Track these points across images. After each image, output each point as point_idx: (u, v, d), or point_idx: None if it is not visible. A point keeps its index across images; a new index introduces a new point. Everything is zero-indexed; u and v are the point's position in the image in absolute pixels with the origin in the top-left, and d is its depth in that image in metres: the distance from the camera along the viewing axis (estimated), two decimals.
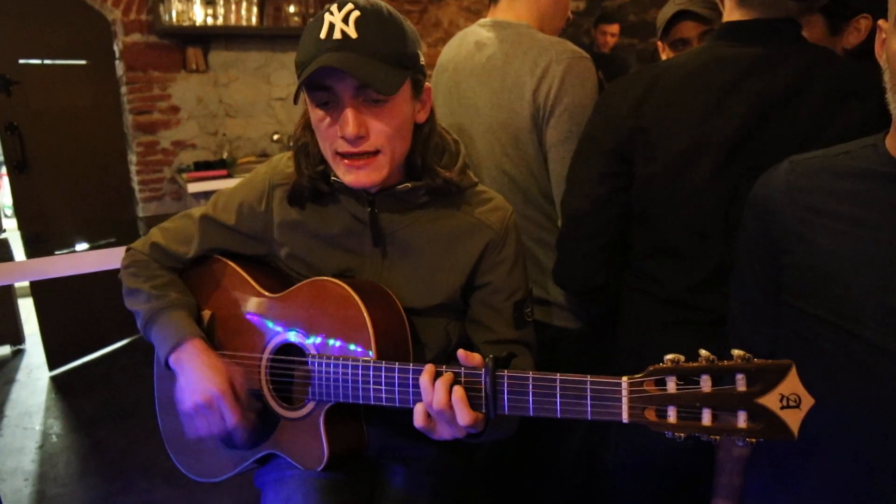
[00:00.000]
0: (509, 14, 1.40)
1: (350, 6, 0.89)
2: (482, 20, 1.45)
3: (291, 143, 1.07)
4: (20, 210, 3.15)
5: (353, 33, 0.88)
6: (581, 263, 1.23)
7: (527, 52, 1.31)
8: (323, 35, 0.89)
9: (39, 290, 3.17)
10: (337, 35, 0.88)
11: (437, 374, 0.85)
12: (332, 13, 0.89)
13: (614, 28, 4.43)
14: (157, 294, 1.09)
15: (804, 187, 0.86)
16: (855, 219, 0.81)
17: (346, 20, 0.88)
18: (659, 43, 1.84)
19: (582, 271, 1.23)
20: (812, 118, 1.01)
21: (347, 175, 0.95)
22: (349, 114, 0.90)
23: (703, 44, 1.15)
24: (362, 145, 0.92)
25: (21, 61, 3.07)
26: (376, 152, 0.93)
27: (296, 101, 0.91)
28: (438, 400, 0.83)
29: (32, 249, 2.40)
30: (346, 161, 0.94)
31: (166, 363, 1.06)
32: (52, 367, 3.24)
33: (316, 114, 0.94)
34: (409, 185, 1.00)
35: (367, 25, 0.88)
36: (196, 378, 1.00)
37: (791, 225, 0.86)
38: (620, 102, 1.14)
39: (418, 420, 0.87)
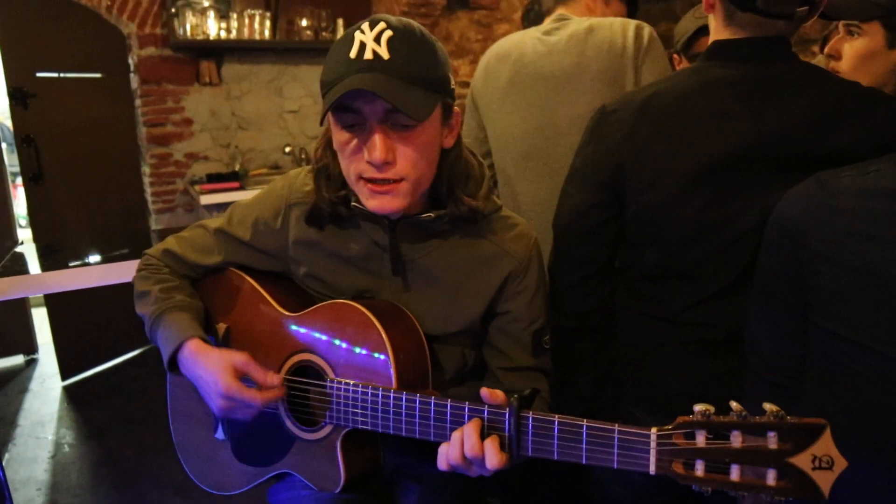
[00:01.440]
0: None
1: (382, 25, 0.85)
2: (538, 26, 1.59)
3: (312, 164, 1.04)
4: (35, 221, 3.18)
5: (385, 54, 0.84)
6: (569, 292, 1.22)
7: (612, 24, 1.47)
8: (353, 54, 0.85)
9: (53, 300, 3.19)
10: (368, 55, 0.84)
11: (468, 418, 0.84)
12: (363, 32, 0.85)
13: None
14: (163, 297, 1.08)
15: (834, 207, 0.84)
16: (886, 240, 0.79)
17: (377, 40, 0.84)
18: (675, 56, 1.84)
19: (571, 299, 1.23)
20: (813, 136, 0.99)
21: (371, 200, 0.92)
22: (377, 139, 0.86)
23: (694, 64, 1.13)
24: (388, 171, 0.89)
25: (38, 74, 3.10)
26: (400, 180, 0.91)
27: (322, 123, 0.87)
28: (471, 446, 0.82)
29: (47, 261, 2.43)
30: (369, 185, 0.91)
31: (172, 367, 1.05)
32: (64, 376, 3.25)
33: (341, 135, 0.91)
34: (431, 214, 0.97)
35: (399, 46, 0.85)
36: (205, 384, 0.99)
37: (821, 246, 0.84)
38: (611, 134, 1.12)
39: (442, 464, 0.86)
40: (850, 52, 1.24)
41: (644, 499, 1.24)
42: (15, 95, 3.01)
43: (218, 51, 3.58)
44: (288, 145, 3.87)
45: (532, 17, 1.74)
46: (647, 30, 1.46)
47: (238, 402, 0.96)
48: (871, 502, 0.83)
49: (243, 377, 0.97)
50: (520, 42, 1.57)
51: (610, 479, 1.28)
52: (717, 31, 1.09)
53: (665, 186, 1.08)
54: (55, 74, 3.17)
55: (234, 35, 3.55)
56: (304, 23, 3.76)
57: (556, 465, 1.50)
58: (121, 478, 2.42)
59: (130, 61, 3.48)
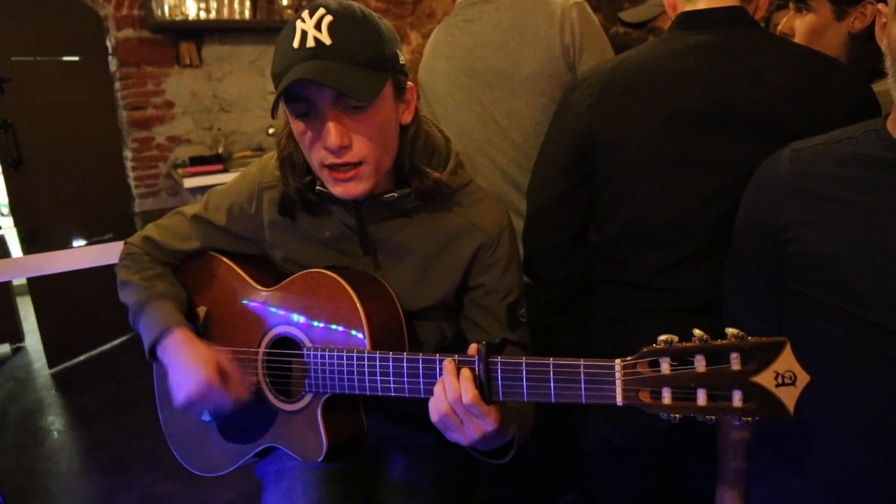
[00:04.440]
0: None
1: (322, 11, 0.85)
2: (460, 2, 1.51)
3: (277, 154, 1.05)
4: (16, 208, 3.14)
5: (326, 39, 0.84)
6: (544, 258, 1.24)
7: (534, 9, 1.38)
8: (296, 44, 0.85)
9: (37, 288, 3.17)
10: (310, 43, 0.84)
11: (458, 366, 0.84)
12: (303, 20, 0.85)
13: None
14: (146, 285, 1.10)
15: (808, 175, 0.86)
16: (860, 205, 0.81)
17: (318, 26, 0.84)
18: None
19: (546, 265, 1.25)
20: (779, 98, 1.01)
21: (336, 187, 0.93)
22: (330, 126, 0.87)
23: (663, 35, 1.15)
24: (346, 155, 0.90)
25: (13, 58, 3.05)
26: (360, 163, 0.91)
27: (273, 115, 0.88)
28: (452, 389, 0.81)
29: (29, 246, 2.41)
30: (332, 173, 0.92)
31: (152, 354, 1.06)
32: (51, 364, 3.24)
33: (297, 125, 0.91)
34: (395, 194, 0.97)
35: (340, 30, 0.85)
36: (184, 370, 0.99)
37: (796, 213, 0.87)
38: (580, 100, 1.15)
39: (433, 415, 0.84)
40: (802, 28, 1.29)
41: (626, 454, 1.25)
42: None
43: (198, 32, 3.53)
44: (271, 127, 3.83)
45: None
46: (574, 12, 1.37)
47: (210, 396, 0.99)
48: (850, 463, 0.83)
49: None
50: (448, 33, 1.52)
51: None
52: (684, 2, 1.11)
53: (633, 144, 1.09)
54: (31, 58, 3.12)
55: (213, 15, 3.50)
56: (284, 2, 3.72)
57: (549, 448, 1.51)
58: (112, 463, 2.42)
59: (108, 44, 3.43)
